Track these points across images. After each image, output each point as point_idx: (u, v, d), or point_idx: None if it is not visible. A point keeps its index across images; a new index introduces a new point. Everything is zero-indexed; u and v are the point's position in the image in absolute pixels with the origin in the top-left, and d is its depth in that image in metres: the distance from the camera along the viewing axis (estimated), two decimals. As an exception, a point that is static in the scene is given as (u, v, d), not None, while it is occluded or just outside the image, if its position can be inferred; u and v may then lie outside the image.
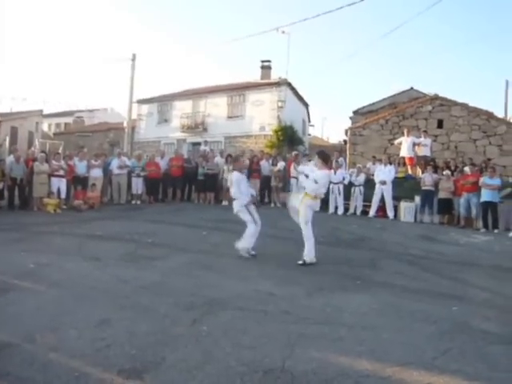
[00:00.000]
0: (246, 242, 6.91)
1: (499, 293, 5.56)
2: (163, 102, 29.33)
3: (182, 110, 27.80)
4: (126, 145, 24.42)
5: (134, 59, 24.07)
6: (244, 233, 6.95)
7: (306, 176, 6.77)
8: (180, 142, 27.25)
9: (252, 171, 14.14)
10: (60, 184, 12.41)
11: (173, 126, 27.97)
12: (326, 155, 7.12)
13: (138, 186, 14.46)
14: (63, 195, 12.53)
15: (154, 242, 7.82)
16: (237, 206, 7.10)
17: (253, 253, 6.96)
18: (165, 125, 28.65)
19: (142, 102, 29.44)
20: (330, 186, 12.92)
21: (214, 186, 14.78)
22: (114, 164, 14.23)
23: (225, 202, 14.15)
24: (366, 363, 3.29)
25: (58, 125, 42.98)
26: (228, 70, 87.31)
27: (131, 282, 5.27)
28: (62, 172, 12.52)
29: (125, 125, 25.06)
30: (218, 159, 15.26)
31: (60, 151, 19.02)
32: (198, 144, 23.55)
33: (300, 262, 6.47)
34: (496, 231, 11.24)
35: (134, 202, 14.31)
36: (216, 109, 26.51)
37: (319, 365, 3.22)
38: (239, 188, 7.07)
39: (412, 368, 3.25)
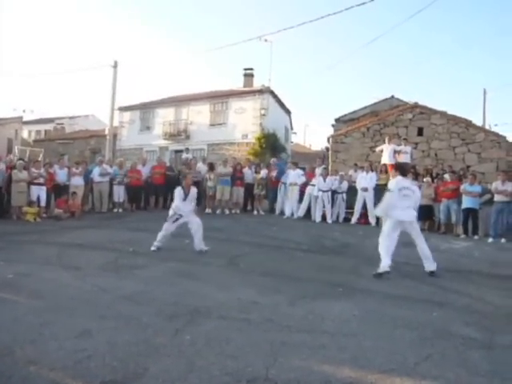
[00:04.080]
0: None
1: (479, 298, 5.64)
2: (145, 109, 29.23)
3: (164, 117, 27.75)
4: (108, 152, 24.21)
5: (115, 66, 23.95)
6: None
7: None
8: (162, 149, 27.15)
9: (235, 179, 14.15)
10: (40, 192, 12.22)
11: (155, 134, 27.88)
12: (404, 169, 7.40)
13: (119, 193, 14.31)
14: (43, 203, 12.34)
15: (136, 251, 7.75)
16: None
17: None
18: (147, 132, 28.53)
19: (124, 109, 29.29)
20: (319, 194, 12.99)
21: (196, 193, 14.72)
22: (96, 172, 14.08)
23: (208, 210, 14.10)
24: (348, 371, 3.30)
25: (38, 132, 42.47)
26: (211, 78, 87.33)
27: (112, 292, 5.21)
28: (41, 180, 12.33)
29: (106, 132, 24.86)
30: (201, 167, 15.23)
31: (40, 159, 18.78)
32: (181, 151, 23.50)
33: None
34: (476, 237, 11.41)
35: (115, 210, 14.17)
36: (199, 116, 26.51)
37: (302, 373, 3.22)
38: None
39: (394, 375, 3.27)
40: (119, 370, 3.20)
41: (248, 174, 14.63)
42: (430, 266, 6.72)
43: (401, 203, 6.65)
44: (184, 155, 18.61)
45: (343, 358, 3.54)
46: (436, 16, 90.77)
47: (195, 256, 7.47)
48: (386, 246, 6.56)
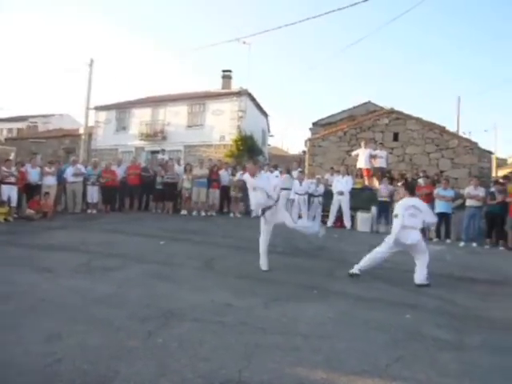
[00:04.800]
0: None
1: (450, 300, 5.73)
2: (121, 109, 28.94)
3: (140, 117, 27.53)
4: (83, 152, 23.89)
5: (91, 64, 23.66)
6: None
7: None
8: (138, 150, 26.92)
9: (211, 181, 14.11)
10: (11, 192, 11.93)
11: (131, 134, 27.61)
12: (413, 187, 7.22)
13: (93, 194, 14.10)
14: (14, 203, 12.05)
15: (110, 253, 7.64)
16: None
17: None
18: (123, 132, 28.24)
19: (99, 108, 28.91)
20: (296, 197, 13.04)
21: (172, 195, 14.63)
22: (69, 172, 13.84)
23: (183, 212, 14.02)
24: (321, 372, 3.32)
25: (9, 130, 41.51)
26: (189, 79, 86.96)
27: (85, 294, 5.12)
28: (12, 179, 12.05)
29: (81, 131, 24.52)
30: (177, 168, 15.13)
31: (11, 157, 18.36)
32: (157, 152, 23.36)
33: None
34: (448, 241, 11.62)
35: (89, 211, 13.96)
36: (176, 117, 26.38)
37: (275, 375, 3.22)
38: None
39: (366, 376, 3.31)
40: (89, 373, 3.15)
41: (224, 176, 14.61)
42: (417, 278, 6.55)
43: (406, 222, 6.47)
44: (160, 156, 18.49)
45: (316, 359, 3.55)
46: (415, 23, 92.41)
47: (170, 258, 7.40)
48: (374, 259, 6.63)
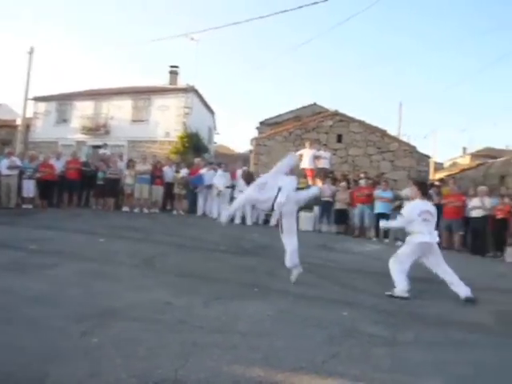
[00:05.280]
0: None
1: (386, 298, 5.93)
2: (63, 100, 27.93)
3: (82, 110, 26.71)
4: (19, 144, 22.84)
5: (31, 52, 22.66)
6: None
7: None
8: (80, 144, 26.07)
9: (155, 177, 13.87)
10: None
11: (72, 127, 26.73)
12: (426, 187, 6.77)
13: (29, 188, 13.43)
14: None
15: (45, 250, 7.32)
16: None
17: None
18: (64, 125, 27.27)
19: (39, 99, 27.77)
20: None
21: (114, 191, 14.25)
22: (3, 164, 13.13)
23: (125, 209, 13.70)
24: (258, 370, 3.32)
25: None
26: (135, 73, 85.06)
27: (17, 293, 4.86)
28: None
29: (18, 122, 23.43)
30: (119, 164, 14.75)
31: None
32: (99, 147, 22.72)
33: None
34: (386, 241, 12.00)
35: (24, 206, 13.31)
36: (120, 111, 25.78)
37: (212, 374, 3.19)
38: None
39: (303, 372, 3.34)
40: (17, 375, 2.99)
41: (168, 172, 14.39)
42: (463, 291, 5.96)
43: (422, 229, 6.08)
44: (102, 151, 17.99)
45: (254, 357, 3.55)
46: (360, 30, 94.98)
47: (109, 256, 7.19)
48: (398, 270, 6.12)
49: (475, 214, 11.47)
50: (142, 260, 7.00)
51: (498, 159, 21.67)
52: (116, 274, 6.13)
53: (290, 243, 6.32)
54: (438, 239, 6.22)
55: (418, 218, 6.05)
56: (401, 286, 5.96)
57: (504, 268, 9.54)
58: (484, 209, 11.35)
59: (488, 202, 11.45)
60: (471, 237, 11.83)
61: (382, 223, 6.91)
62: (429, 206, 6.26)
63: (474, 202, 11.61)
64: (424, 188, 6.54)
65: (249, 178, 6.63)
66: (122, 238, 8.92)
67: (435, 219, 6.23)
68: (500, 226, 11.18)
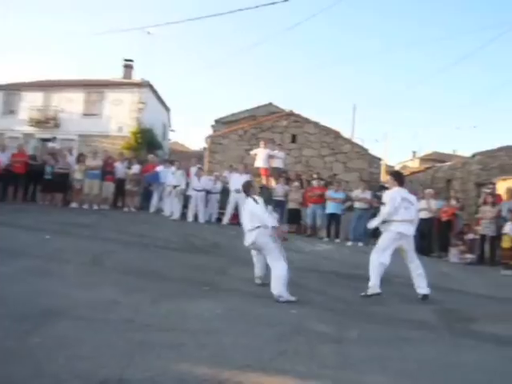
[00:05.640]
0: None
1: (334, 296, 6.07)
2: (10, 90, 26.78)
3: (31, 101, 25.69)
4: (-40, 135, 21.76)
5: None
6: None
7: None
8: (28, 136, 25.06)
9: (105, 173, 13.52)
10: None
11: (20, 119, 25.64)
12: (402, 177, 6.74)
13: (-29, 182, 12.83)
14: None
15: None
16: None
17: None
18: (10, 116, 26.17)
19: (-16, 88, 26.53)
20: (193, 194, 12.90)
21: (63, 186, 13.77)
22: None
23: (74, 205, 13.29)
24: (205, 368, 3.31)
25: None
26: (87, 66, 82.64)
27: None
28: None
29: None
30: (69, 158, 14.28)
31: None
32: (48, 140, 21.96)
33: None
34: (337, 240, 12.22)
35: (-35, 200, 12.70)
36: (71, 104, 25.02)
37: (158, 372, 3.16)
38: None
39: (250, 370, 3.35)
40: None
41: (120, 168, 14.06)
42: (422, 288, 6.19)
43: (401, 216, 6.15)
44: (50, 144, 17.39)
45: (201, 355, 3.54)
46: (317, 30, 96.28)
47: (55, 253, 6.96)
48: (378, 265, 6.06)
49: (422, 215, 11.84)
50: (90, 258, 6.82)
51: (445, 163, 22.58)
52: (62, 271, 5.95)
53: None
54: (412, 232, 6.31)
55: (401, 205, 6.12)
56: (374, 281, 5.97)
57: (447, 268, 9.92)
58: (430, 211, 11.75)
59: (434, 204, 11.88)
60: (417, 237, 12.20)
61: (370, 225, 6.84)
62: (407, 195, 6.37)
63: (421, 204, 11.98)
64: (400, 177, 6.61)
65: (248, 188, 6.36)
66: (70, 234, 8.65)
67: (415, 207, 6.37)
68: (445, 228, 11.62)
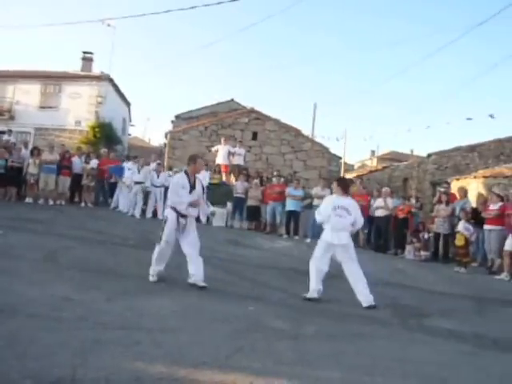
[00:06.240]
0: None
1: (292, 293, 6.11)
2: (-39, 81, 25.62)
3: (-16, 93, 24.65)
4: None
5: None
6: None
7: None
8: (-20, 129, 24.10)
9: (62, 167, 13.18)
10: None
11: (-28, 111, 24.60)
12: (346, 185, 6.48)
13: None
14: None
15: None
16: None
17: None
18: (-38, 108, 25.04)
19: None
20: (152, 190, 12.74)
21: (17, 180, 13.33)
22: None
23: (29, 200, 12.88)
24: (161, 366, 3.27)
25: None
26: (44, 57, 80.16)
27: None
28: None
29: None
30: (24, 151, 13.83)
31: None
32: (3, 133, 21.18)
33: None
34: (296, 237, 12.36)
35: None
36: (26, 96, 24.13)
37: (112, 371, 3.09)
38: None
39: (206, 368, 3.33)
40: None
41: (77, 163, 13.73)
42: (365, 300, 5.80)
43: (332, 224, 5.98)
44: (5, 137, 16.77)
45: (157, 353, 3.50)
46: (280, 27, 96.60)
47: (7, 249, 6.70)
48: (315, 270, 5.91)
49: (379, 213, 12.14)
50: (44, 254, 6.63)
51: (402, 163, 23.19)
52: (14, 268, 5.74)
53: None
54: (345, 240, 5.99)
55: (332, 213, 5.98)
56: (313, 286, 5.86)
57: (403, 264, 10.18)
58: (387, 209, 12.04)
59: (390, 202, 12.18)
60: (374, 235, 12.51)
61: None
62: (345, 202, 6.11)
63: (378, 202, 12.28)
64: (343, 184, 6.40)
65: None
66: (23, 230, 8.38)
67: (352, 215, 6.03)
68: (401, 225, 11.94)
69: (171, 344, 3.73)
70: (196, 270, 5.77)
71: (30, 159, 13.09)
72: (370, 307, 5.70)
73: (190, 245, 5.94)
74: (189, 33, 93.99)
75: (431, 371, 3.82)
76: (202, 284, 5.71)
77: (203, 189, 6.29)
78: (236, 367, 3.41)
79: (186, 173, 6.11)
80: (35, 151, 13.32)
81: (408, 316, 5.66)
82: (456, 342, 4.74)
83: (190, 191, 5.91)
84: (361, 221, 6.24)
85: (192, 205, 5.85)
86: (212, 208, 6.63)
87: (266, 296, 5.77)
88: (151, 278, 5.82)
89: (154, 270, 5.89)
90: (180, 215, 5.88)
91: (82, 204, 13.54)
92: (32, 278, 5.40)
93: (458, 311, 6.24)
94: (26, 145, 15.02)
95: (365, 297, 5.77)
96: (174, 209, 5.90)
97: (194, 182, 6.03)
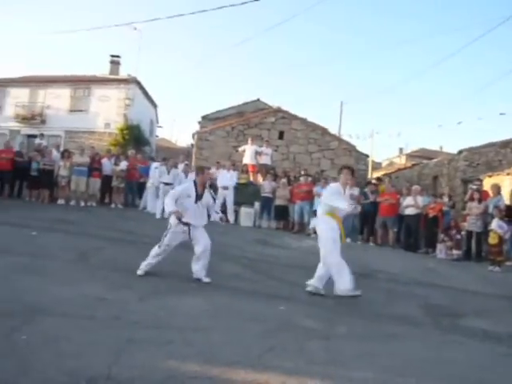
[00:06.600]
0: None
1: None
2: (-4, 86, 26.38)
3: (17, 97, 25.33)
4: None
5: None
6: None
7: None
8: (14, 132, 24.72)
9: (92, 169, 13.42)
10: None
11: (6, 115, 25.30)
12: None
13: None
14: None
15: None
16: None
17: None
18: (-4, 112, 25.80)
19: (-31, 84, 26.09)
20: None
21: (49, 182, 13.64)
22: None
23: (61, 201, 13.16)
24: (194, 365, 3.30)
25: None
26: (74, 61, 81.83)
27: None
28: None
29: None
30: (55, 154, 14.15)
31: None
32: (35, 137, 21.69)
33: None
34: (325, 236, 12.24)
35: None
36: (57, 100, 24.71)
37: (146, 370, 3.13)
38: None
39: (239, 367, 3.34)
40: None
41: (107, 165, 13.96)
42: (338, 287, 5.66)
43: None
44: (37, 141, 17.19)
45: (189, 352, 3.53)
46: (308, 25, 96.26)
47: (41, 250, 6.87)
48: (344, 264, 5.89)
49: (409, 211, 11.94)
50: (76, 254, 6.75)
51: (432, 160, 22.75)
52: (48, 268, 5.88)
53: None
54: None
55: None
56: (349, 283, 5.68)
57: (434, 264, 9.99)
58: (417, 207, 11.84)
59: (420, 200, 11.96)
60: (404, 234, 12.31)
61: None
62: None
63: (407, 200, 12.08)
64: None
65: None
66: (56, 231, 8.56)
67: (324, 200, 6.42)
68: (432, 224, 11.71)
69: (203, 343, 3.75)
70: (199, 270, 6.00)
71: (60, 162, 13.38)
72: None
73: (200, 248, 6.09)
74: (215, 33, 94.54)
75: (466, 373, 3.74)
76: (207, 280, 5.91)
77: (214, 199, 6.63)
78: (268, 366, 3.40)
79: (194, 182, 6.31)
80: (66, 154, 13.61)
81: (441, 316, 5.56)
82: (491, 343, 4.63)
83: (196, 200, 6.04)
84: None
85: (175, 214, 5.92)
86: (220, 214, 6.76)
87: (295, 295, 5.74)
88: (139, 272, 5.92)
89: (147, 265, 5.99)
90: (182, 223, 5.98)
91: (112, 205, 13.75)
92: (65, 277, 5.50)
93: (492, 311, 6.09)
94: (57, 148, 15.34)
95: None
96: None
97: (203, 191, 6.19)
